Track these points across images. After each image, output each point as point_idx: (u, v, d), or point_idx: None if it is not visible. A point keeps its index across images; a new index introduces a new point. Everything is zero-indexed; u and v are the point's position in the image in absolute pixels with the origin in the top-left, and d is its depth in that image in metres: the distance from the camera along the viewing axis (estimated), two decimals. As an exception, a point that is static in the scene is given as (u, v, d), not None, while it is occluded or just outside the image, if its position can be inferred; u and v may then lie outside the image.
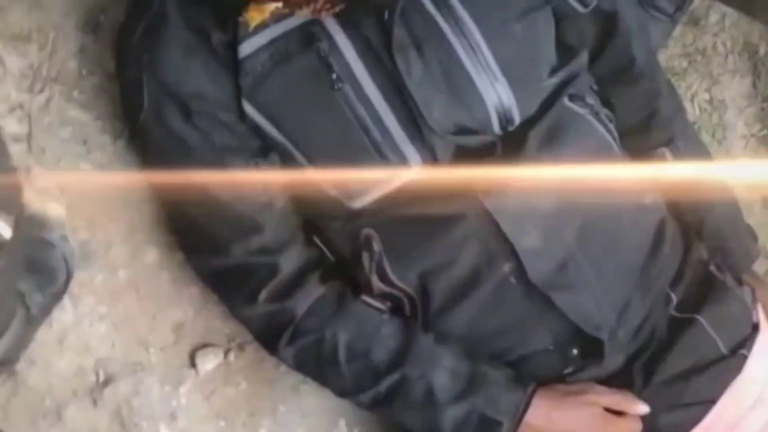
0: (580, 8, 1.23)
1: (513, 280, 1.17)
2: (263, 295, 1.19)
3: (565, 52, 1.23)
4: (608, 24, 1.26)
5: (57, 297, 1.29)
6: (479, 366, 1.20)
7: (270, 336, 1.23)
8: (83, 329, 1.31)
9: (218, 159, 1.15)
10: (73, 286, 1.30)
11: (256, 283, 1.19)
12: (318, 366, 1.22)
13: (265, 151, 1.17)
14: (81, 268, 1.32)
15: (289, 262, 1.20)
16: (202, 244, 1.23)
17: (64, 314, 1.31)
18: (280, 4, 1.10)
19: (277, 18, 1.11)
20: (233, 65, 1.13)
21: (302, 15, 1.11)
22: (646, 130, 1.32)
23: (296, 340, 1.21)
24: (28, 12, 1.33)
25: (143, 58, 1.15)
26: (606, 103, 1.29)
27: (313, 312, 1.20)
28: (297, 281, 1.20)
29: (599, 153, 1.22)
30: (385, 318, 1.21)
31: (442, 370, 1.19)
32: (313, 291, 1.21)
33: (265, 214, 1.18)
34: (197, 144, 1.15)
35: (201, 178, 1.16)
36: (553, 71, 1.20)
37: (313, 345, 1.20)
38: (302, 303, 1.20)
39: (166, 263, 1.36)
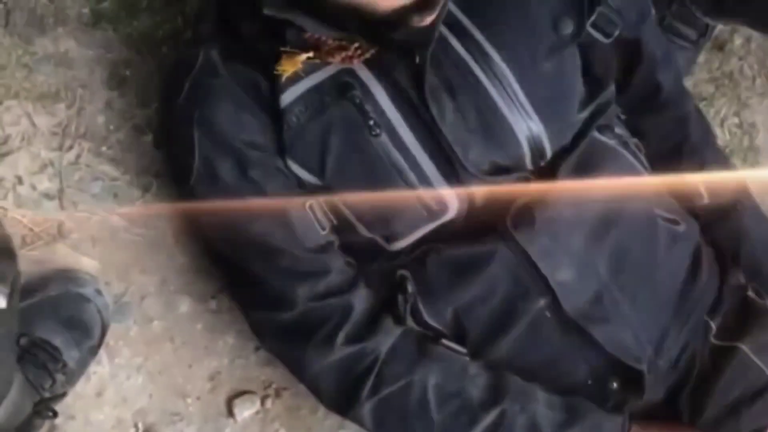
0: (603, 39, 1.22)
1: (548, 314, 1.16)
2: (340, 338, 1.15)
3: (593, 84, 1.22)
4: (632, 53, 1.26)
5: (93, 351, 1.29)
6: (565, 396, 1.18)
7: (349, 388, 1.16)
8: (120, 381, 1.32)
9: (277, 208, 1.13)
10: (109, 338, 1.31)
11: (331, 328, 1.15)
12: (402, 419, 1.16)
13: (312, 195, 1.15)
14: (116, 320, 1.32)
15: (361, 300, 1.17)
16: (264, 299, 1.18)
17: (100, 367, 1.31)
18: (311, 54, 1.10)
19: (309, 69, 1.11)
20: (278, 114, 1.13)
21: (334, 64, 1.11)
22: (677, 157, 1.30)
23: (380, 389, 1.15)
24: (54, 71, 1.36)
25: (194, 115, 1.12)
26: (635, 132, 1.27)
27: (397, 354, 1.16)
28: (374, 319, 1.17)
29: (630, 183, 1.20)
30: (466, 357, 1.18)
31: (539, 402, 1.16)
32: (392, 330, 1.17)
33: (327, 255, 1.16)
34: (253, 197, 1.13)
35: (259, 230, 1.14)
36: (583, 105, 1.20)
37: (399, 393, 1.15)
38: (384, 342, 1.16)
39: (200, 313, 1.36)
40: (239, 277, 1.20)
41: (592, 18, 1.19)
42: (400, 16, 1.01)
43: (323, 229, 1.16)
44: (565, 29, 1.16)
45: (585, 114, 1.19)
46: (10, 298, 0.92)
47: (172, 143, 1.19)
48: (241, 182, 1.13)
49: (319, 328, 1.16)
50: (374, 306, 1.18)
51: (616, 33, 1.22)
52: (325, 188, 1.14)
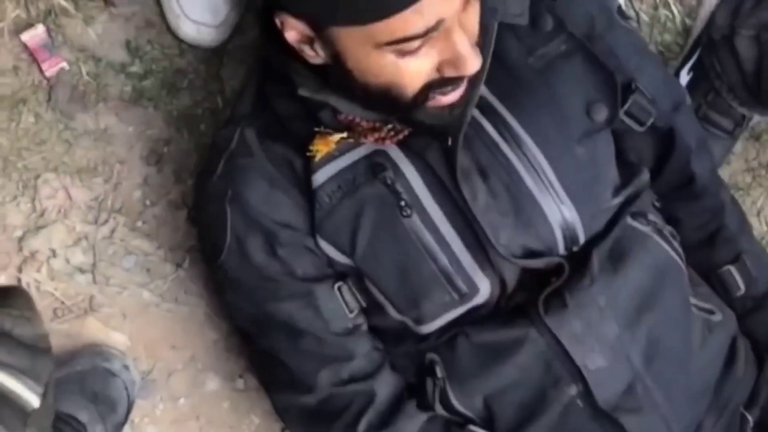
0: (636, 127, 1.21)
1: (580, 402, 1.13)
2: (363, 425, 1.14)
3: (626, 171, 1.21)
4: (666, 142, 1.25)
5: (119, 427, 1.28)
6: None
7: None
8: (145, 459, 1.31)
9: (304, 289, 1.14)
10: (134, 415, 1.30)
11: (354, 414, 1.15)
12: None
13: (342, 276, 1.15)
14: (142, 396, 1.31)
15: (385, 386, 1.16)
16: (287, 381, 1.18)
17: (125, 444, 1.30)
18: (345, 135, 1.11)
19: (343, 149, 1.11)
20: (310, 193, 1.13)
21: (367, 144, 1.11)
22: (712, 246, 1.28)
23: None
24: (94, 146, 1.37)
25: (227, 193, 1.13)
26: (670, 220, 1.26)
27: None
28: (397, 406, 1.16)
29: (664, 271, 1.18)
30: None
31: None
32: (417, 416, 1.16)
33: (353, 339, 1.16)
34: (281, 277, 1.14)
35: (285, 310, 1.14)
36: (617, 191, 1.19)
37: None
38: (408, 429, 1.15)
39: (227, 391, 1.36)
40: (264, 356, 1.20)
41: (626, 106, 1.19)
42: (427, 95, 1.01)
43: (351, 312, 1.15)
44: (599, 115, 1.15)
45: (619, 200, 1.18)
46: (43, 398, 0.92)
47: (205, 219, 1.20)
48: (270, 261, 1.13)
49: (342, 413, 1.15)
50: (399, 391, 1.17)
51: (650, 121, 1.21)
52: (355, 268, 1.14)
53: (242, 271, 1.15)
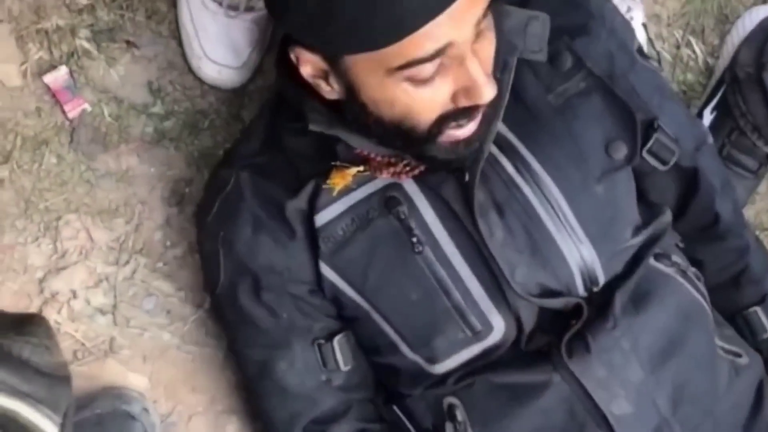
0: (659, 166, 1.20)
1: (605, 448, 1.11)
2: None
3: (648, 210, 1.20)
4: (689, 181, 1.23)
5: (138, 471, 1.26)
6: None
7: None
8: (163, 504, 1.29)
9: (283, 339, 1.17)
10: (153, 458, 1.28)
11: None
12: None
13: (332, 331, 1.17)
14: (162, 440, 1.30)
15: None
16: (267, 425, 1.23)
17: (143, 488, 1.28)
18: (361, 168, 1.10)
19: (358, 182, 1.11)
20: (308, 233, 1.13)
21: (382, 178, 1.11)
22: (737, 287, 1.27)
23: None
24: (115, 187, 1.37)
25: (219, 236, 1.17)
26: (694, 260, 1.24)
27: None
28: None
29: (689, 313, 1.16)
30: None
31: None
32: None
33: (321, 390, 1.18)
34: (265, 323, 1.17)
35: (265, 357, 1.18)
36: (637, 231, 1.17)
37: None
38: None
39: (247, 433, 1.33)
40: (251, 396, 1.26)
41: (649, 144, 1.17)
42: (441, 128, 1.00)
43: (326, 366, 1.17)
44: (618, 153, 1.14)
45: (639, 239, 1.16)
46: (62, 427, 0.91)
47: (203, 254, 1.24)
48: (255, 306, 1.16)
49: None
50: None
51: (673, 160, 1.20)
52: (359, 306, 1.14)
53: (230, 310, 1.20)
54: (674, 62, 1.48)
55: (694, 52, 1.48)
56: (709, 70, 1.49)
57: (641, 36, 1.42)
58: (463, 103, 0.98)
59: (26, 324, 0.98)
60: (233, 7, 1.34)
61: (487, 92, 0.97)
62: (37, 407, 0.90)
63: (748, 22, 1.48)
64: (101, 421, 1.24)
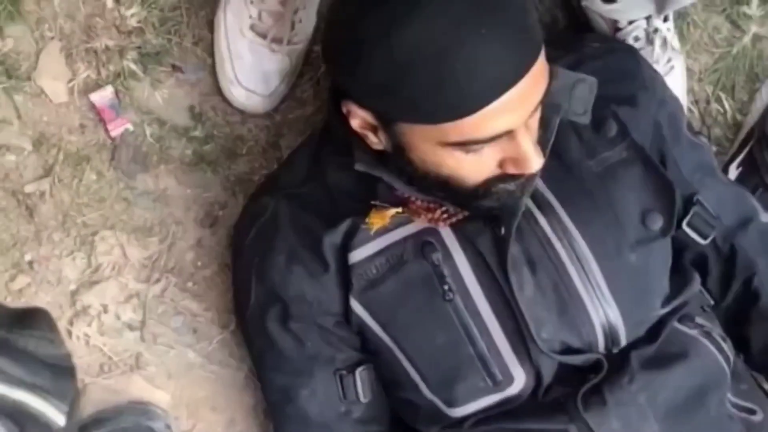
0: (699, 239, 1.18)
1: (619, 499, 1.10)
2: None
3: (678, 280, 1.18)
4: (728, 259, 1.22)
5: (156, 486, 1.26)
6: None
7: None
8: None
9: (306, 368, 1.16)
10: (172, 475, 1.28)
11: None
12: None
13: (354, 362, 1.17)
14: (181, 457, 1.30)
15: None
16: None
17: (161, 503, 1.28)
18: (400, 209, 1.10)
19: (395, 223, 1.11)
20: (341, 268, 1.13)
21: (419, 223, 1.11)
22: None
23: None
24: (152, 206, 1.37)
25: (254, 261, 1.17)
26: (741, 337, 1.22)
27: None
28: None
29: (708, 374, 1.15)
30: None
31: None
32: None
33: (340, 421, 1.17)
34: (290, 351, 1.16)
35: (288, 384, 1.17)
36: (666, 301, 1.16)
37: None
38: None
39: (263, 455, 1.33)
40: (273, 420, 1.24)
41: (688, 217, 1.17)
42: (489, 188, 1.01)
43: (346, 398, 1.16)
44: (654, 224, 1.13)
45: (667, 309, 1.15)
46: (68, 416, 0.91)
47: (236, 276, 1.24)
48: (283, 334, 1.16)
49: None
50: None
51: (713, 234, 1.19)
52: (387, 341, 1.13)
53: (257, 334, 1.19)
54: (703, 117, 1.47)
55: (723, 107, 1.47)
56: (736, 126, 1.48)
57: (682, 85, 1.42)
58: (511, 170, 0.99)
59: (30, 318, 0.99)
60: (277, 41, 1.34)
61: (535, 164, 0.98)
62: (45, 397, 0.91)
63: (779, 81, 1.48)
64: (125, 436, 1.24)
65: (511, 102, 0.92)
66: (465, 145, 0.95)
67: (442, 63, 0.90)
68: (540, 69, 0.95)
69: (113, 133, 1.36)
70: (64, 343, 0.99)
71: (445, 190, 1.03)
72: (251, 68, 1.34)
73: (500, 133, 0.94)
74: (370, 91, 0.96)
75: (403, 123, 0.96)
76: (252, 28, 1.34)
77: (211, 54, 1.38)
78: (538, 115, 0.99)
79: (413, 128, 0.96)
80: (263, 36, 1.34)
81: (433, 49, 0.90)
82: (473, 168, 0.99)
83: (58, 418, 0.91)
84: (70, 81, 1.37)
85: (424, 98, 0.92)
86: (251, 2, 1.33)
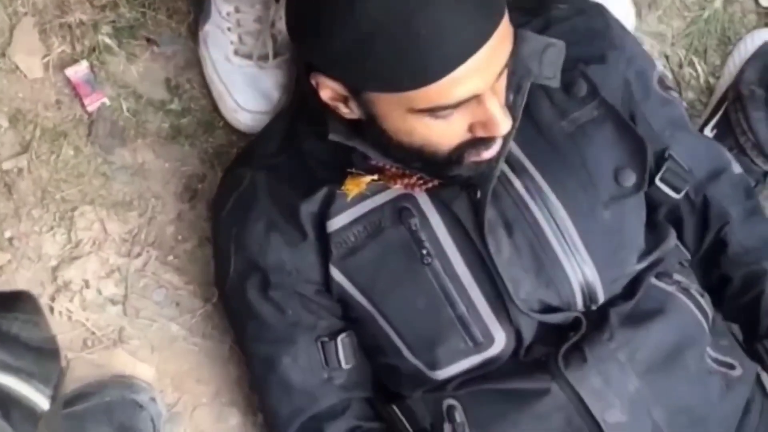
0: (673, 194, 1.19)
1: (599, 455, 1.11)
2: None
3: (654, 236, 1.18)
4: (702, 212, 1.22)
5: (143, 458, 1.25)
6: None
7: None
8: (166, 491, 1.28)
9: (288, 335, 1.16)
10: (159, 447, 1.27)
11: None
12: None
13: (336, 330, 1.17)
14: (167, 429, 1.29)
15: (335, 429, 1.17)
16: (268, 417, 1.23)
17: (148, 476, 1.27)
18: (375, 177, 1.10)
19: (372, 190, 1.11)
20: (319, 236, 1.13)
21: (396, 189, 1.11)
22: (756, 315, 1.21)
23: None
24: (130, 181, 1.36)
25: (232, 231, 1.17)
26: (723, 278, 1.22)
27: None
28: None
29: (687, 329, 1.15)
30: None
31: None
32: None
33: (323, 388, 1.17)
34: (271, 319, 1.16)
35: (270, 352, 1.17)
36: (642, 256, 1.16)
37: None
38: None
39: (248, 426, 1.33)
40: (254, 389, 1.26)
41: (661, 173, 1.17)
42: (461, 154, 1.01)
43: (328, 365, 1.16)
44: (627, 181, 1.13)
45: (643, 265, 1.16)
46: (52, 400, 0.91)
47: (216, 248, 1.24)
48: (263, 302, 1.16)
49: None
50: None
51: (686, 188, 1.19)
52: (365, 308, 1.13)
53: (237, 305, 1.19)
54: (676, 80, 1.48)
55: (696, 71, 1.48)
56: (709, 89, 1.48)
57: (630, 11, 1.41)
58: (481, 134, 0.99)
59: (14, 301, 0.99)
60: (263, 58, 1.32)
61: (504, 126, 0.98)
62: (29, 381, 0.91)
63: (750, 44, 1.48)
64: (110, 409, 1.23)
65: (476, 67, 0.92)
66: (433, 111, 0.95)
67: (406, 31, 0.90)
68: (504, 33, 0.94)
69: (90, 108, 1.35)
70: (49, 326, 0.99)
71: (420, 160, 1.03)
72: (248, 90, 1.33)
73: (467, 98, 0.94)
74: (335, 62, 0.96)
75: (371, 92, 0.96)
76: (236, 53, 1.33)
77: (186, 27, 1.38)
78: (504, 78, 0.99)
79: (381, 97, 0.96)
80: (249, 57, 1.32)
81: (395, 17, 0.90)
82: (444, 134, 0.99)
83: (42, 402, 0.91)
84: (44, 56, 1.36)
85: (389, 67, 0.92)
86: (228, 29, 1.32)
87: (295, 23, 1.00)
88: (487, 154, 1.02)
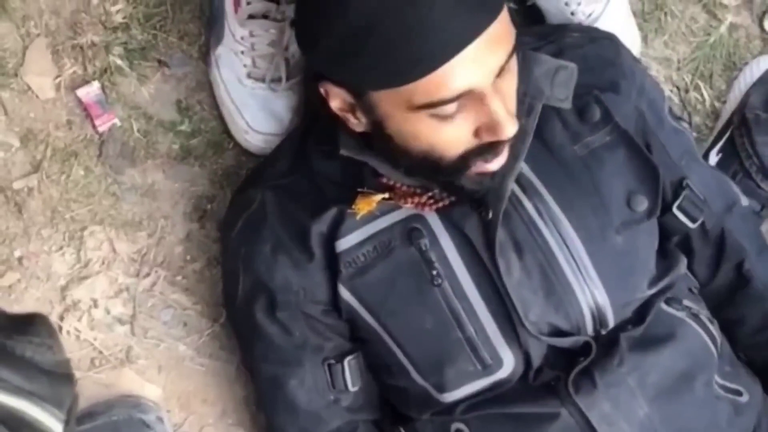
0: (689, 223, 1.18)
1: (608, 480, 1.09)
2: None
3: (665, 262, 1.17)
4: (718, 243, 1.21)
5: (149, 478, 1.24)
6: None
7: None
8: None
9: (295, 357, 1.15)
10: (164, 467, 1.26)
11: None
12: None
13: (343, 351, 1.16)
14: (173, 450, 1.28)
15: None
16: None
17: (153, 496, 1.26)
18: (386, 195, 1.09)
19: (382, 210, 1.10)
20: (327, 255, 1.12)
21: (406, 209, 1.10)
22: None
23: None
24: (140, 201, 1.35)
25: (241, 252, 1.16)
26: (730, 320, 1.22)
27: None
28: None
29: (697, 356, 1.14)
30: None
31: None
32: None
33: (329, 410, 1.16)
34: (278, 340, 1.15)
35: (277, 373, 1.16)
36: (653, 282, 1.15)
37: None
38: None
39: (255, 447, 1.32)
40: (260, 410, 1.25)
41: (678, 201, 1.17)
42: (467, 162, 1.00)
43: (335, 387, 1.15)
44: (639, 206, 1.12)
45: (653, 290, 1.14)
46: (66, 424, 0.89)
47: (224, 268, 1.24)
48: (270, 323, 1.15)
49: None
50: None
51: (701, 218, 1.18)
52: (376, 328, 1.12)
53: (245, 325, 1.19)
54: (682, 105, 1.47)
55: (701, 95, 1.47)
56: (715, 114, 1.48)
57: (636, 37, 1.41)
58: (486, 138, 0.98)
59: (28, 324, 0.97)
60: (276, 81, 1.31)
61: (509, 128, 0.97)
62: (42, 405, 0.88)
63: (755, 69, 1.48)
64: (117, 428, 1.22)
65: (472, 58, 0.92)
66: (434, 107, 0.94)
67: (399, 23, 0.90)
68: (501, 28, 0.94)
69: (100, 129, 1.34)
70: (63, 350, 0.97)
71: (428, 168, 1.02)
72: (260, 113, 1.32)
73: (464, 91, 0.93)
74: (335, 61, 0.96)
75: (372, 92, 0.96)
76: (249, 75, 1.32)
77: (197, 49, 1.37)
78: (509, 81, 0.98)
79: (381, 96, 0.96)
80: (262, 80, 1.31)
81: (388, 10, 0.90)
82: (449, 137, 0.98)
83: (55, 426, 0.88)
84: (56, 77, 1.35)
85: (384, 59, 0.92)
86: (242, 52, 1.31)
87: (299, 29, 1.01)
88: (494, 165, 1.01)
